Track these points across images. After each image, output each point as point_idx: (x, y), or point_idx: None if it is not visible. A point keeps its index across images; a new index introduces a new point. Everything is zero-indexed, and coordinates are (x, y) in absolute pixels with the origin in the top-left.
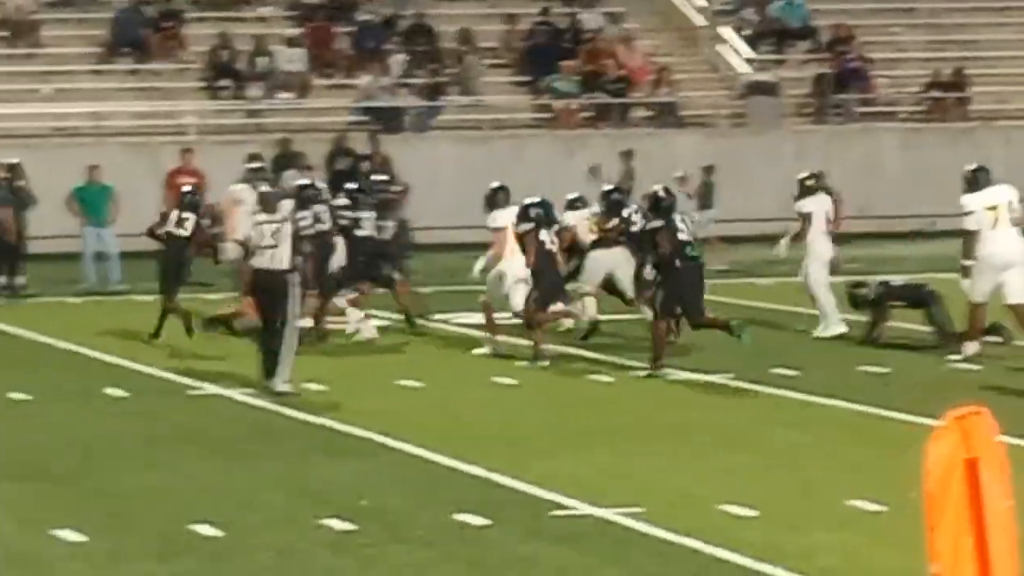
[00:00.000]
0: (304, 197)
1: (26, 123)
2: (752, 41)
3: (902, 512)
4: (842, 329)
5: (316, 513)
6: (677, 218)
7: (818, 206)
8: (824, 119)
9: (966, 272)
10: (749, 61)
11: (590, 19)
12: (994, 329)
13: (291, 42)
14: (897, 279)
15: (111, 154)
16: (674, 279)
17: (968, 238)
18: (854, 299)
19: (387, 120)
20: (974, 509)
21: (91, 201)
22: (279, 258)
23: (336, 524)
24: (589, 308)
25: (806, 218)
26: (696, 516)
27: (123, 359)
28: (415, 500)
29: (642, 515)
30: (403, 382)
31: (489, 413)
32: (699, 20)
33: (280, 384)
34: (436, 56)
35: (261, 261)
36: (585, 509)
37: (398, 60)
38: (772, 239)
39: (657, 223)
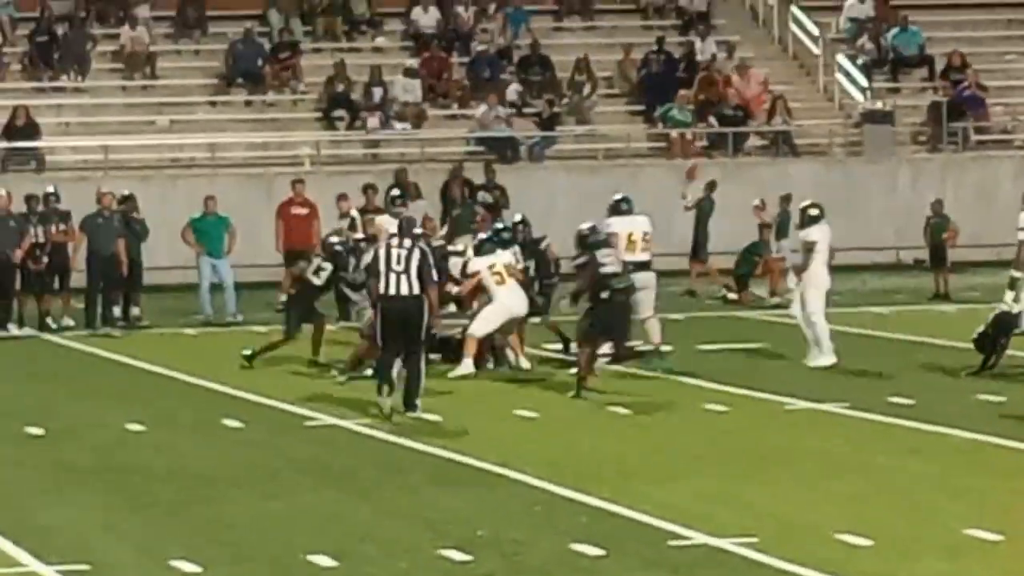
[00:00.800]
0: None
1: (142, 155)
2: (867, 69)
3: (1018, 541)
4: (832, 360)
5: (434, 544)
6: (602, 253)
7: (823, 235)
8: (939, 147)
9: (1013, 284)
10: (864, 89)
11: (705, 48)
12: None
13: (407, 72)
14: (1016, 307)
15: (226, 185)
16: (599, 310)
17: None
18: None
19: (502, 150)
20: None
21: (207, 232)
22: (408, 284)
23: (454, 555)
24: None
25: (811, 247)
26: (810, 545)
27: (240, 390)
28: (532, 530)
29: (757, 544)
30: (519, 412)
31: (604, 442)
32: (814, 49)
33: (419, 409)
34: (551, 86)
35: (389, 287)
36: (700, 538)
37: (513, 90)
38: (886, 268)
39: (582, 259)
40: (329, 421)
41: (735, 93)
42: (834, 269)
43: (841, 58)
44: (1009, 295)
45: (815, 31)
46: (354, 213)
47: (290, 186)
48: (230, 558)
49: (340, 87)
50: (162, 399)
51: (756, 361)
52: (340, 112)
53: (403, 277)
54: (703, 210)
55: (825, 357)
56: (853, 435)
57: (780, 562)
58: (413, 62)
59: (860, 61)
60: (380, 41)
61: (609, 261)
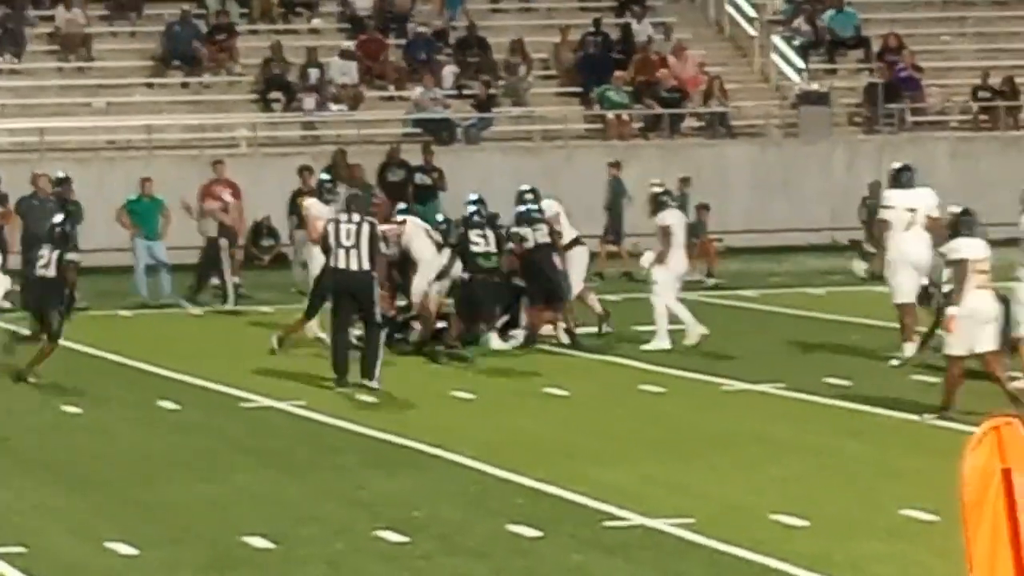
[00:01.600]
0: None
1: (78, 137)
2: (804, 51)
3: (955, 522)
4: (667, 345)
5: (369, 525)
6: (473, 234)
7: (676, 220)
8: (875, 129)
9: (864, 256)
10: (800, 71)
11: (641, 30)
12: None
13: (343, 54)
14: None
15: (163, 167)
16: (467, 290)
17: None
18: (923, 297)
19: (439, 132)
20: (1010, 518)
21: (142, 214)
22: (358, 259)
23: (390, 536)
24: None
25: (665, 231)
26: (746, 526)
27: (175, 372)
28: (468, 511)
29: (693, 525)
30: (455, 393)
31: (541, 424)
32: (751, 30)
33: (376, 382)
34: (488, 67)
35: (338, 261)
36: (636, 520)
37: (450, 72)
38: (822, 249)
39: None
40: (265, 403)
41: (671, 74)
42: (771, 250)
43: (777, 39)
44: (859, 265)
45: (751, 12)
46: None
47: (212, 167)
48: (166, 540)
49: (276, 69)
50: (98, 381)
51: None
52: (277, 94)
53: (352, 252)
54: (613, 191)
55: (661, 340)
56: (790, 416)
57: (716, 543)
58: (349, 44)
59: (796, 42)
60: (316, 23)
61: (479, 241)
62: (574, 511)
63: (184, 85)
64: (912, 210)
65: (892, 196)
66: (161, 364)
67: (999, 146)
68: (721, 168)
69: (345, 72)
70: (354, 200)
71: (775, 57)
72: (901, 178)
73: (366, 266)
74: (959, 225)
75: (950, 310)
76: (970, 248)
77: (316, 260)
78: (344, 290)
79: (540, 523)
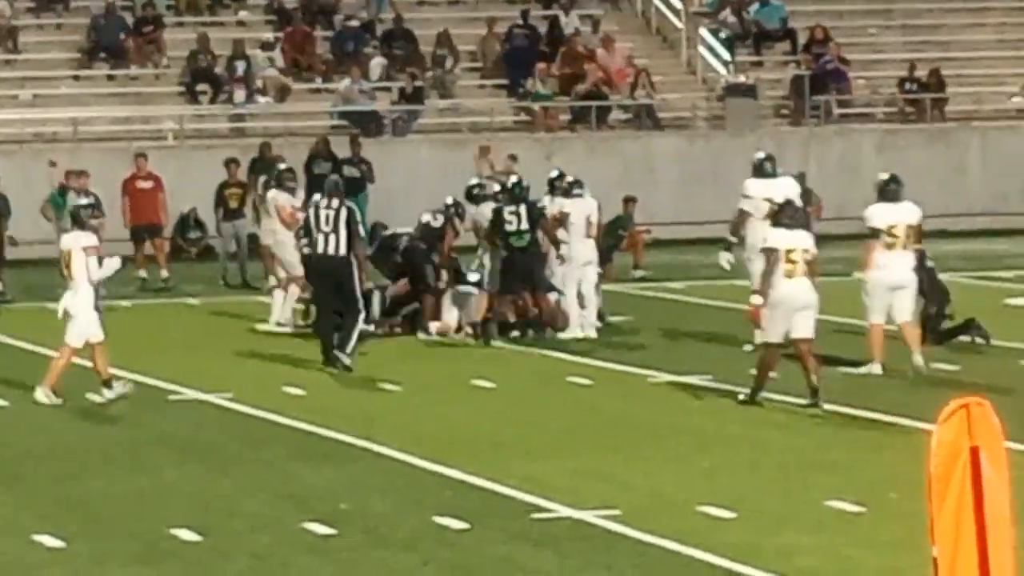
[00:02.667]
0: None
1: (5, 129)
2: (730, 43)
3: (881, 513)
4: (579, 334)
5: (297, 518)
6: (506, 211)
7: (577, 208)
8: (802, 121)
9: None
10: (727, 63)
11: (569, 22)
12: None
13: (269, 46)
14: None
15: (90, 160)
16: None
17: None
18: None
19: (366, 124)
20: (976, 496)
21: (67, 207)
22: (336, 243)
23: (317, 528)
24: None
25: (564, 219)
26: (675, 518)
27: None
28: (396, 504)
29: (621, 517)
30: (384, 386)
31: (469, 416)
32: (677, 23)
33: (347, 358)
34: (415, 60)
35: (317, 246)
36: (564, 512)
37: (377, 64)
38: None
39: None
40: (192, 396)
41: (599, 67)
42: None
43: (704, 32)
44: (724, 256)
45: (678, 5)
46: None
47: (133, 160)
48: (94, 533)
49: (203, 61)
50: (25, 374)
51: (620, 335)
52: (203, 86)
53: (331, 237)
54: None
55: (571, 330)
56: (717, 408)
57: (643, 534)
58: (276, 36)
59: (723, 35)
60: (243, 15)
61: (513, 220)
62: (502, 503)
63: (110, 77)
64: (770, 200)
65: (751, 186)
66: (88, 356)
67: (925, 138)
68: (648, 160)
69: (271, 64)
70: (333, 186)
71: (702, 49)
72: (764, 168)
73: (343, 251)
74: (780, 214)
75: (754, 299)
76: (783, 239)
77: (286, 247)
78: (324, 275)
79: (468, 515)
